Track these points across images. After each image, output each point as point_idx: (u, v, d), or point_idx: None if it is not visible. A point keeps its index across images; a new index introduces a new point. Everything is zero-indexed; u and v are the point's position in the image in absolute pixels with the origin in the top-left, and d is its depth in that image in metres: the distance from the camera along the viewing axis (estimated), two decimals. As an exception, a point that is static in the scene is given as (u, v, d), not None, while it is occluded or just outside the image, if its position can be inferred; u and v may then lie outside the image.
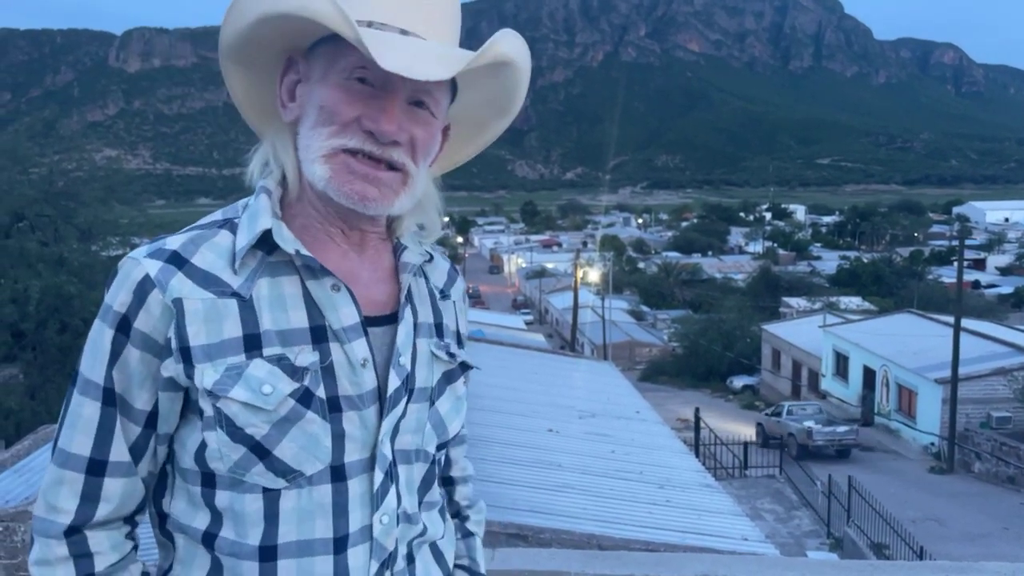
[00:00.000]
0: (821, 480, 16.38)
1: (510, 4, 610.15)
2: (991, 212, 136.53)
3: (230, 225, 1.06)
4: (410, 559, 1.13)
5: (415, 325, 1.13)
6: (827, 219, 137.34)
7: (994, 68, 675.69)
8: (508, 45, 1.04)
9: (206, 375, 0.98)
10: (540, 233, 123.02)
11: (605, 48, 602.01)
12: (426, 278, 1.20)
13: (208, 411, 0.98)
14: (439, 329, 1.18)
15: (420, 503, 1.14)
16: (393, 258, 1.16)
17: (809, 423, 21.87)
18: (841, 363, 29.46)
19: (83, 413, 1.01)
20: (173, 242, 1.03)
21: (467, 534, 1.34)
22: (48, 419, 10.99)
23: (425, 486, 1.15)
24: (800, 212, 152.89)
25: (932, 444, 23.28)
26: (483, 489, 6.40)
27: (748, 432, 23.36)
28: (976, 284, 59.31)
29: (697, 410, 21.66)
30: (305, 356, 1.01)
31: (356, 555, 1.04)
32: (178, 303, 0.99)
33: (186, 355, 0.98)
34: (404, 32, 1.03)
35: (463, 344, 1.25)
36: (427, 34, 1.05)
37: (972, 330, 25.12)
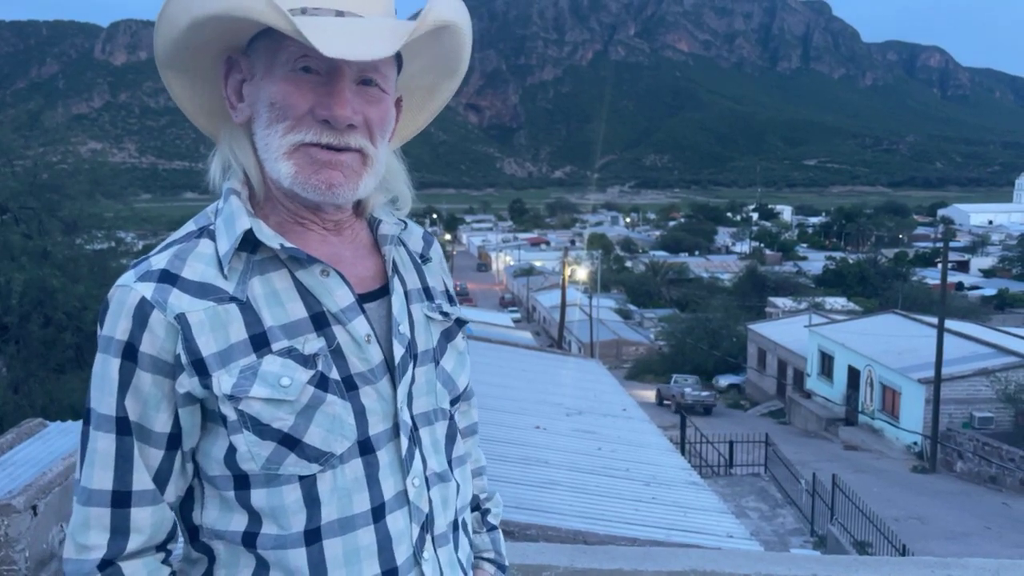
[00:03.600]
0: (805, 479, 16.48)
1: (499, 2, 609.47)
2: (975, 215, 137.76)
3: (207, 233, 1.06)
4: (455, 527, 1.17)
5: (405, 293, 1.15)
6: (813, 220, 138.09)
7: (979, 71, 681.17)
8: (445, 8, 1.03)
9: (223, 381, 0.99)
10: (528, 231, 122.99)
11: (594, 47, 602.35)
12: (404, 246, 1.22)
13: (231, 415, 1.00)
14: (428, 292, 1.21)
15: (450, 461, 1.18)
16: (371, 233, 1.18)
17: (686, 389, 30.62)
18: (826, 363, 29.65)
19: (99, 448, 1.01)
20: (158, 261, 1.03)
21: (491, 528, 1.40)
22: (31, 413, 10.91)
23: (450, 441, 1.19)
24: (787, 213, 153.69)
25: (915, 443, 23.47)
26: (470, 485, 6.40)
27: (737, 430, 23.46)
28: (960, 286, 59.81)
29: (683, 409, 21.74)
30: (312, 343, 1.02)
31: (395, 520, 1.07)
32: (181, 318, 0.99)
33: (200, 367, 0.99)
34: (340, 13, 1.03)
35: (454, 301, 1.27)
36: (363, 10, 1.04)
37: (955, 331, 25.35)
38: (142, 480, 1.02)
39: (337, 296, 1.06)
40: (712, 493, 8.33)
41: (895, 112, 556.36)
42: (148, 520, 1.03)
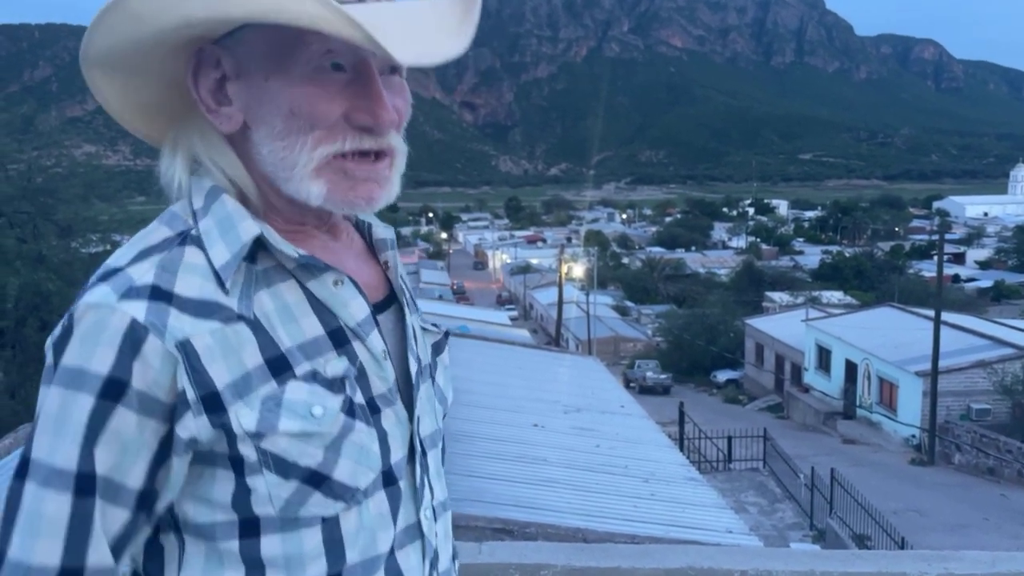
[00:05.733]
0: (804, 473, 16.50)
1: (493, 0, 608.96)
2: (970, 207, 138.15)
3: (191, 239, 0.89)
4: (452, 558, 1.08)
5: (407, 302, 1.05)
6: (809, 214, 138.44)
7: (973, 64, 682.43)
8: None
9: (243, 416, 0.84)
10: (524, 229, 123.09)
11: (588, 43, 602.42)
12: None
13: (251, 456, 0.84)
14: (413, 299, 1.09)
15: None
16: (362, 237, 1.06)
17: (648, 373, 34.99)
18: (823, 357, 29.70)
19: (46, 512, 0.79)
20: (140, 273, 0.85)
21: None
22: (27, 418, 10.90)
23: (442, 464, 1.09)
24: (783, 207, 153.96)
25: (913, 436, 23.53)
26: (469, 484, 6.41)
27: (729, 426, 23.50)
28: (956, 278, 59.93)
29: (681, 404, 21.78)
30: (334, 365, 0.89)
31: (407, 557, 0.96)
32: (186, 345, 0.82)
33: (213, 402, 0.83)
34: None
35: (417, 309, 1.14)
36: None
37: (952, 323, 25.39)
38: (100, 553, 0.81)
39: (352, 308, 0.92)
40: (711, 488, 8.35)
41: (890, 105, 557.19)
42: None
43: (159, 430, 0.83)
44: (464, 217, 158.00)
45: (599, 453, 8.48)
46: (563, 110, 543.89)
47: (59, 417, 0.81)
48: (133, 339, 0.81)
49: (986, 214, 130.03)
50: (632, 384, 33.25)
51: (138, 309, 0.82)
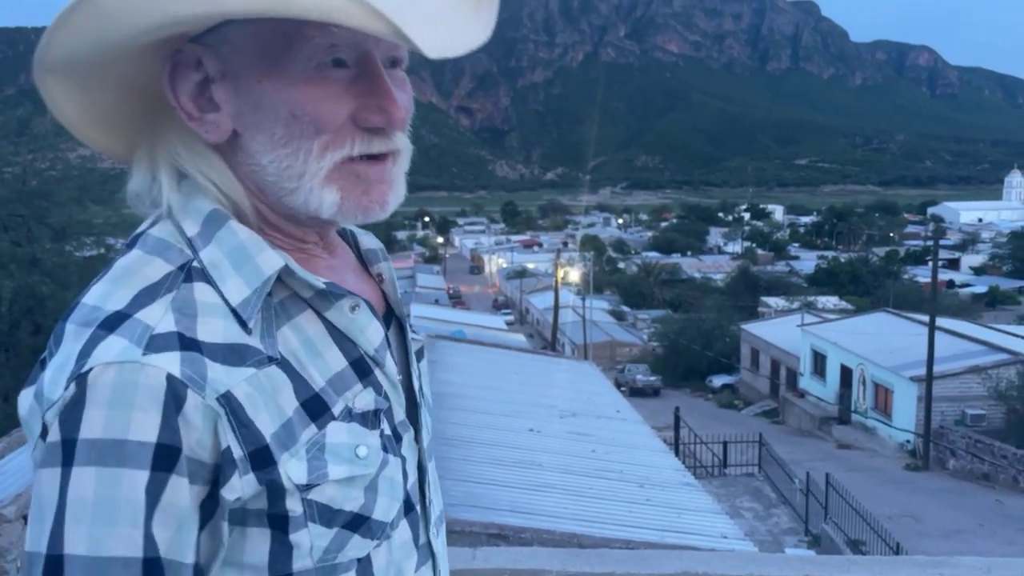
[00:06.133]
0: (799, 478, 16.52)
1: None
2: (965, 212, 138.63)
3: (196, 274, 0.78)
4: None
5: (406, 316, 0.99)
6: (805, 219, 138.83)
7: (968, 70, 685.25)
8: None
9: (292, 468, 0.75)
10: (521, 233, 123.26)
11: (585, 48, 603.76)
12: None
13: (297, 510, 0.76)
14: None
15: None
16: (351, 248, 0.98)
17: (637, 376, 36.13)
18: (819, 362, 29.75)
19: None
20: (156, 320, 0.73)
21: None
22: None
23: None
24: (778, 212, 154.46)
25: (908, 441, 23.56)
26: (464, 489, 6.40)
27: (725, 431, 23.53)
28: (951, 283, 60.17)
29: (677, 409, 21.78)
30: (362, 398, 0.82)
31: None
32: (228, 398, 0.73)
33: (262, 457, 0.74)
34: None
35: None
36: None
37: (947, 329, 25.46)
38: None
39: (370, 334, 0.85)
40: (706, 494, 8.36)
41: (885, 111, 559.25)
42: None
43: (202, 495, 0.73)
44: (460, 221, 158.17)
45: (595, 458, 8.47)
46: (559, 115, 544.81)
47: (100, 502, 0.68)
48: (175, 397, 0.70)
49: (981, 220, 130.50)
50: (623, 387, 33.49)
51: (171, 362, 0.71)
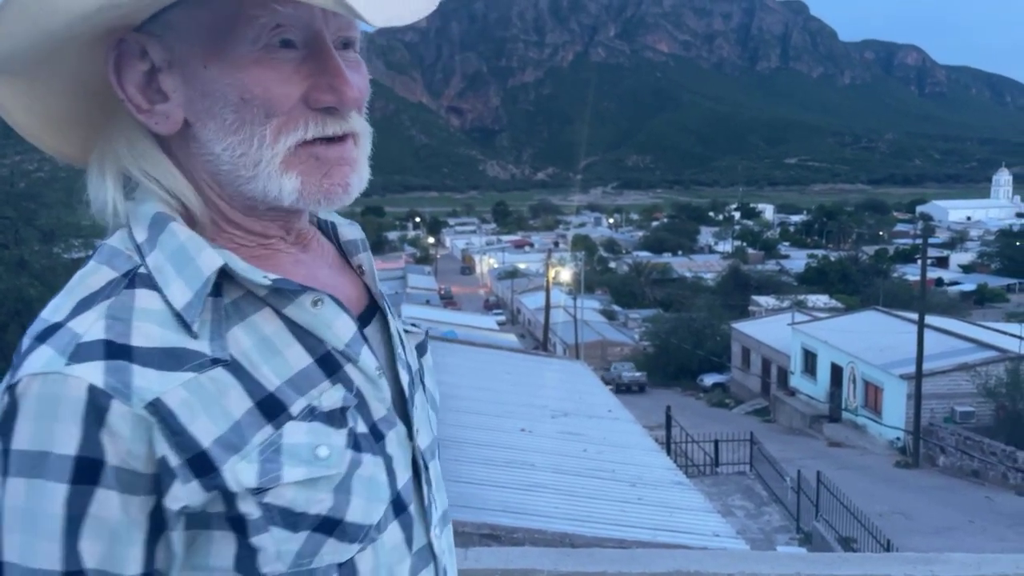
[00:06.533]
0: (790, 476, 16.57)
1: (480, 4, 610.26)
2: (954, 211, 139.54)
3: (140, 279, 0.75)
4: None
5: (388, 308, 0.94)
6: (795, 218, 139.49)
7: (956, 69, 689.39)
8: None
9: (241, 472, 0.72)
10: (512, 233, 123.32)
11: (575, 48, 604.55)
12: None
13: (254, 513, 0.72)
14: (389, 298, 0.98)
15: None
16: (331, 241, 0.94)
17: (624, 373, 37.06)
18: (809, 360, 29.86)
19: None
20: (86, 328, 0.71)
21: None
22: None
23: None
24: (768, 211, 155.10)
25: (898, 439, 23.68)
26: (456, 490, 6.39)
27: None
28: (939, 281, 60.50)
29: (668, 408, 21.83)
30: (330, 395, 0.79)
31: None
32: (157, 405, 0.70)
33: (201, 463, 0.71)
34: None
35: None
36: None
37: (936, 326, 25.60)
38: None
39: (337, 328, 0.81)
40: (698, 492, 8.37)
41: (874, 110, 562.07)
42: None
43: (146, 505, 0.70)
44: (451, 222, 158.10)
45: (586, 457, 8.48)
46: (550, 115, 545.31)
47: (28, 511, 0.67)
48: (96, 408, 0.68)
49: (969, 218, 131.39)
50: (610, 385, 33.77)
51: (93, 372, 0.69)
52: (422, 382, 0.97)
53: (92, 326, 0.71)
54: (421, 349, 1.00)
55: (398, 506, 0.84)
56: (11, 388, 0.70)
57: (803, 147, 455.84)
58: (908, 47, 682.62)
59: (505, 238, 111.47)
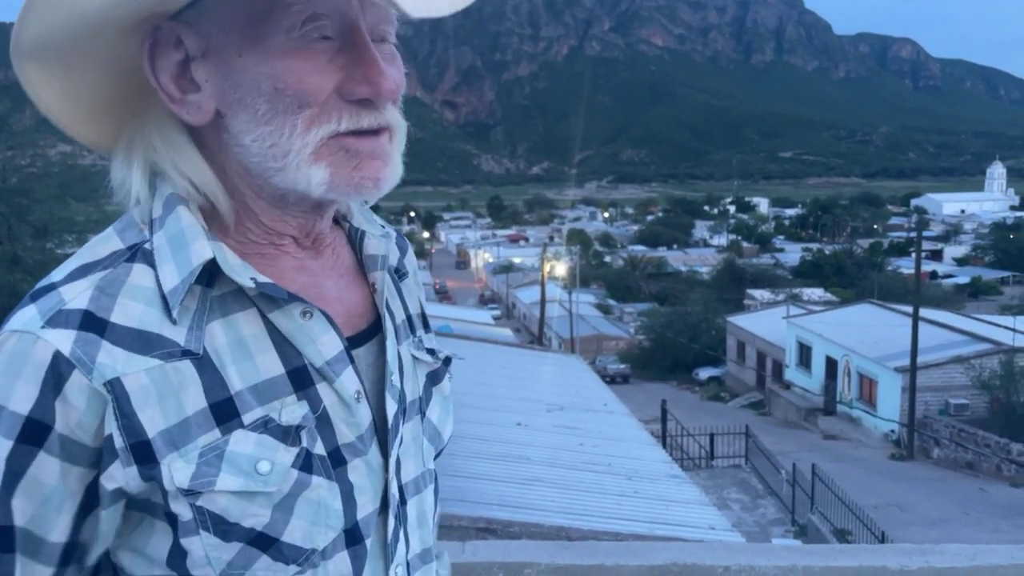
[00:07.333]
0: (786, 469, 16.62)
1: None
2: (948, 204, 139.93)
3: (142, 255, 0.76)
4: None
5: (395, 331, 0.90)
6: (790, 212, 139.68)
7: (950, 62, 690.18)
8: None
9: (177, 470, 0.71)
10: (507, 228, 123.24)
11: (570, 42, 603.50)
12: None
13: (185, 514, 0.72)
14: (410, 323, 0.94)
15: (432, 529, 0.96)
16: (352, 251, 0.90)
17: (608, 365, 37.08)
18: (804, 353, 29.94)
19: None
20: (73, 295, 0.73)
21: None
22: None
23: (434, 508, 0.96)
24: (763, 205, 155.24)
25: (892, 431, 23.77)
26: (452, 484, 6.39)
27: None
28: (934, 275, 60.68)
29: (664, 402, 21.87)
30: (291, 411, 0.76)
31: None
32: (115, 385, 0.70)
33: (143, 451, 0.71)
34: None
35: (429, 327, 1.00)
36: None
37: (930, 319, 25.69)
38: None
39: (322, 344, 0.79)
40: (694, 486, 8.39)
41: (868, 103, 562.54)
42: None
43: (85, 477, 0.71)
44: (446, 216, 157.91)
45: (582, 451, 8.49)
46: (545, 109, 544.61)
47: None
48: (56, 374, 0.69)
49: (963, 211, 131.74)
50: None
51: (63, 339, 0.70)
52: (422, 412, 0.92)
53: (79, 295, 0.73)
54: (434, 378, 0.96)
55: (353, 537, 0.80)
56: None
57: (798, 141, 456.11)
58: (903, 40, 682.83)
59: (500, 232, 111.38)
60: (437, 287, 63.91)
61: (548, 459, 7.93)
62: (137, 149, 0.80)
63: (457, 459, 7.22)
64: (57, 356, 0.69)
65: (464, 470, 6.96)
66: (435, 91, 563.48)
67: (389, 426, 0.84)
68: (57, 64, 0.75)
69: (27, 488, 0.69)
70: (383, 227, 0.93)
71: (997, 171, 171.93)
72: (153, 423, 0.71)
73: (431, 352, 0.96)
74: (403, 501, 0.87)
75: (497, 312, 52.96)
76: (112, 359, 0.70)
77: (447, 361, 0.99)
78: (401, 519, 0.86)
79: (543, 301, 35.56)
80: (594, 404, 11.53)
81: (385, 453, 0.84)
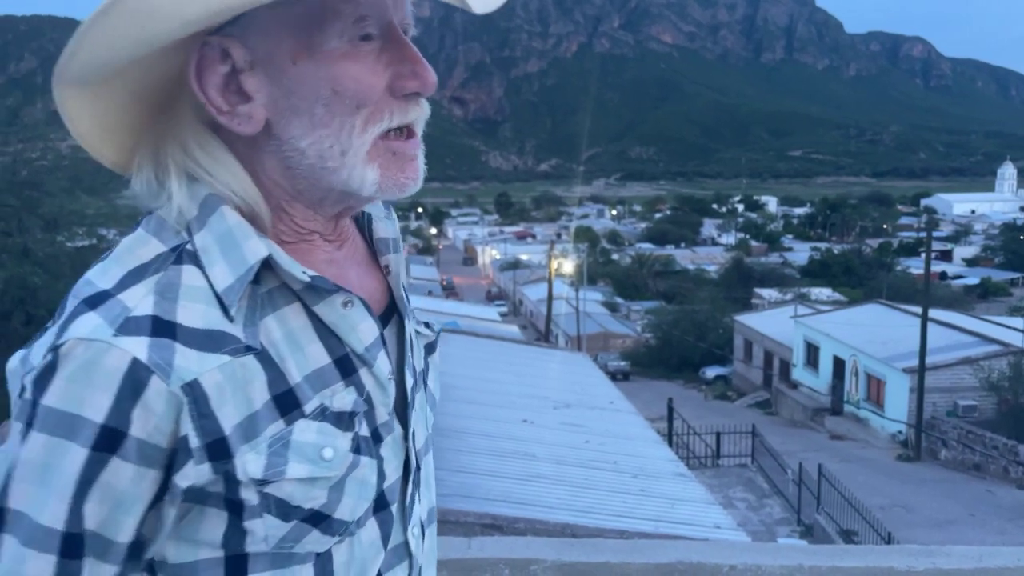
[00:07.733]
0: (792, 469, 16.60)
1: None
2: (958, 204, 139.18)
3: (187, 256, 0.77)
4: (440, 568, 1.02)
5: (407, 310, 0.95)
6: (798, 211, 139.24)
7: (961, 62, 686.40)
8: None
9: (249, 462, 0.74)
10: (514, 225, 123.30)
11: (579, 39, 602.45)
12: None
13: (252, 500, 0.75)
14: (407, 298, 0.98)
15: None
16: (363, 237, 0.95)
17: (609, 362, 36.29)
18: (812, 353, 29.84)
19: (28, 574, 0.70)
20: (136, 301, 0.74)
21: None
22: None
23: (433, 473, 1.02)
24: (772, 204, 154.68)
25: (900, 432, 23.68)
26: (458, 480, 6.41)
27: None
28: (943, 275, 60.38)
29: (670, 400, 21.83)
30: (342, 397, 0.80)
31: None
32: (194, 387, 0.72)
33: (219, 448, 0.73)
34: None
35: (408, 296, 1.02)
36: None
37: (939, 320, 25.56)
38: None
39: (361, 331, 0.82)
40: (699, 484, 8.39)
41: (879, 102, 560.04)
42: None
43: (156, 479, 0.73)
44: (454, 213, 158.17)
45: (588, 449, 8.49)
46: (553, 106, 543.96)
47: (44, 467, 0.70)
48: (134, 382, 0.70)
49: (973, 211, 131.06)
50: None
51: (139, 346, 0.71)
52: (424, 382, 0.97)
53: (142, 300, 0.73)
54: (430, 348, 1.01)
55: (380, 504, 0.85)
56: (56, 348, 0.71)
57: (807, 139, 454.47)
58: (914, 39, 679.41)
59: (507, 229, 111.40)
60: (444, 283, 63.96)
61: (554, 456, 7.93)
62: (173, 161, 0.80)
63: (463, 455, 7.24)
64: (135, 363, 0.70)
65: (470, 466, 6.97)
66: (444, 87, 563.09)
67: (408, 399, 0.89)
68: (90, 87, 0.76)
69: (99, 493, 0.71)
70: (385, 208, 0.98)
71: (1008, 171, 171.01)
72: (229, 419, 0.74)
73: (427, 325, 1.02)
74: (417, 467, 0.92)
75: (504, 309, 52.95)
76: (187, 361, 0.72)
77: (438, 334, 1.06)
78: (416, 483, 0.92)
79: (550, 298, 35.55)
80: (600, 402, 11.53)
81: (405, 424, 0.89)
